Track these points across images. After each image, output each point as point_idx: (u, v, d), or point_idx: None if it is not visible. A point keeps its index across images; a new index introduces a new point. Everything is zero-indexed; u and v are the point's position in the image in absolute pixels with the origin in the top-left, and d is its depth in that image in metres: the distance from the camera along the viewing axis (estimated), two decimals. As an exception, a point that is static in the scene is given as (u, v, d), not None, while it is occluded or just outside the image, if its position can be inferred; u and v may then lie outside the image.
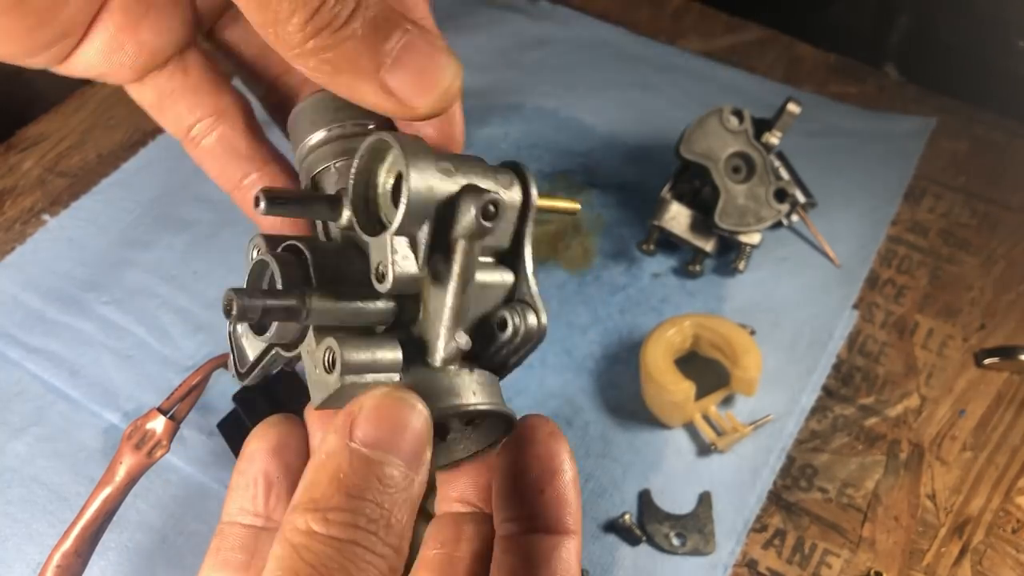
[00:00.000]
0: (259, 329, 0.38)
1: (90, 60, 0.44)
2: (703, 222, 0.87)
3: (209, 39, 0.50)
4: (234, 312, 0.35)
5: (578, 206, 0.44)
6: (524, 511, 0.40)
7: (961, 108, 1.04)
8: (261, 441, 0.44)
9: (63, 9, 0.41)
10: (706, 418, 0.79)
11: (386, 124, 0.43)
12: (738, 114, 0.85)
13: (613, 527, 0.75)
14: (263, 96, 0.51)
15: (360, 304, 0.38)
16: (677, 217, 0.88)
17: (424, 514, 0.71)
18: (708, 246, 0.87)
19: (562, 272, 0.92)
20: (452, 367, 0.38)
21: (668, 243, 0.90)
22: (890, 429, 0.80)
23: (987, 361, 0.83)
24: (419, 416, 0.35)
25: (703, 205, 0.88)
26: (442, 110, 0.38)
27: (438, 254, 0.38)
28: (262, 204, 0.37)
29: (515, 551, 0.40)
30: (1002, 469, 0.78)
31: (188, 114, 0.48)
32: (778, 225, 0.92)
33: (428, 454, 0.35)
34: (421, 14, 0.41)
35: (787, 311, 0.87)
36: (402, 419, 0.35)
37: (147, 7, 0.44)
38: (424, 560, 0.42)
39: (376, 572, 0.33)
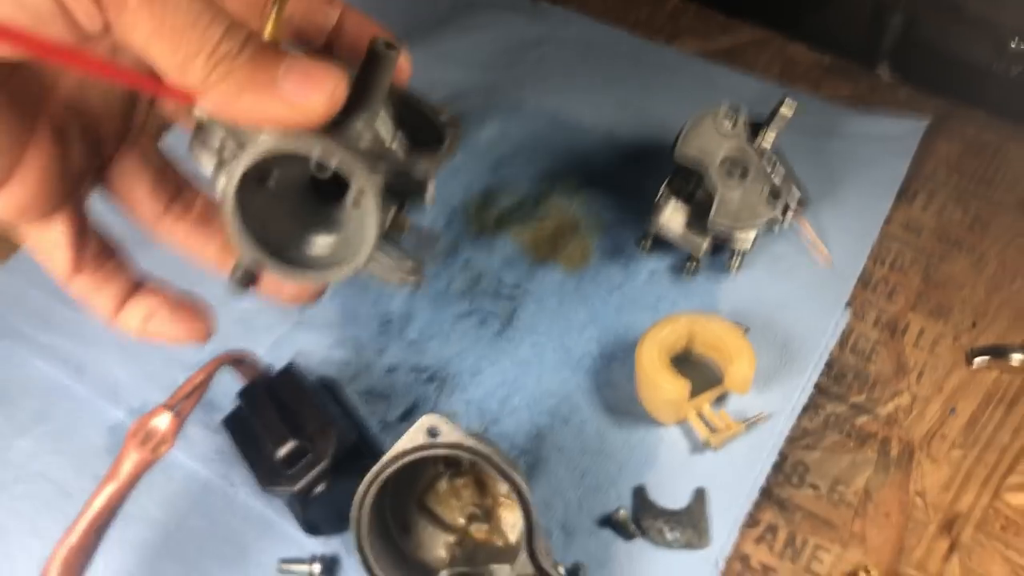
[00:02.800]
0: None
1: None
2: (698, 222, 0.88)
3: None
4: None
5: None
6: None
7: (954, 109, 1.05)
8: None
9: None
10: (700, 416, 0.80)
11: None
12: (733, 115, 0.86)
13: (608, 522, 0.76)
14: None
15: None
16: (673, 217, 0.89)
17: (430, 516, 0.72)
18: (703, 245, 0.89)
19: (560, 271, 0.93)
20: None
21: (664, 243, 0.91)
22: (881, 427, 0.81)
23: (978, 360, 0.84)
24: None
25: (698, 205, 0.89)
26: (333, 110, 0.44)
27: None
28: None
29: None
30: (991, 467, 0.79)
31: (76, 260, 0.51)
32: (772, 224, 0.93)
33: None
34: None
35: (780, 310, 0.88)
36: None
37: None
38: None
39: None
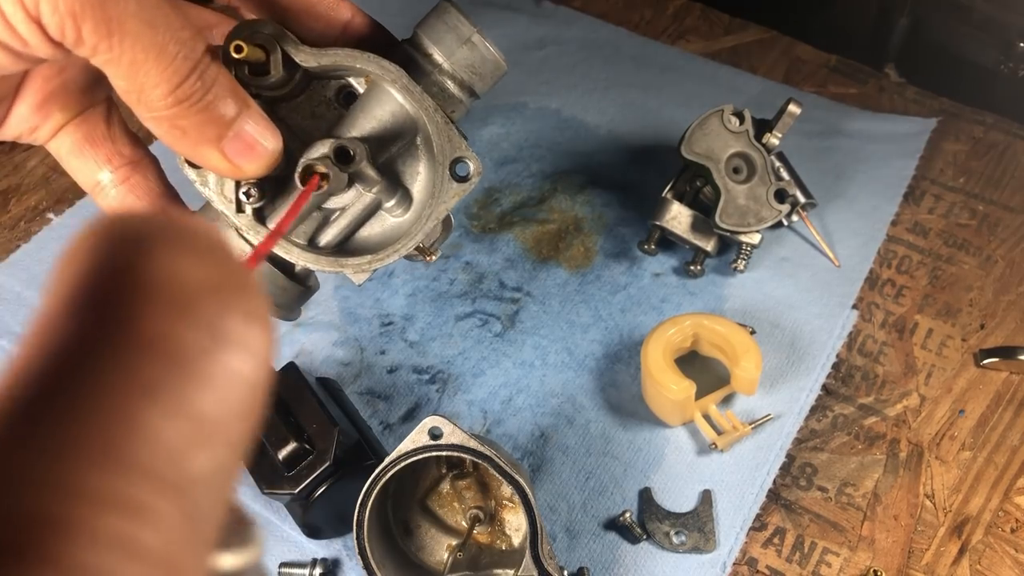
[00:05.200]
0: None
1: (23, 115, 0.47)
2: (704, 222, 0.87)
3: None
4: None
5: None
6: None
7: (961, 109, 1.04)
8: None
9: None
10: (706, 417, 0.79)
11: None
12: (739, 115, 0.86)
13: (614, 525, 0.75)
14: None
15: None
16: (678, 217, 0.88)
17: (433, 518, 0.71)
18: (709, 246, 0.88)
19: (563, 271, 0.92)
20: None
21: (669, 243, 0.91)
22: (889, 428, 0.80)
23: (986, 361, 0.84)
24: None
25: (703, 205, 0.88)
26: (266, 172, 0.46)
27: None
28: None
29: None
30: (1001, 469, 0.78)
31: (106, 162, 0.50)
32: (778, 225, 0.93)
33: None
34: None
35: (787, 311, 0.88)
36: None
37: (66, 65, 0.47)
38: None
39: None
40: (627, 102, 1.08)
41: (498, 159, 1.02)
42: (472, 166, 0.50)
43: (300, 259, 0.50)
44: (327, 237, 0.52)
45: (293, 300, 0.54)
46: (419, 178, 0.52)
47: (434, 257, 0.54)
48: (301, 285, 0.54)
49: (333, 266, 0.51)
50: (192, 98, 0.41)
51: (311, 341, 0.87)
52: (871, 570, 0.73)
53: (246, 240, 0.50)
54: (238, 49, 0.45)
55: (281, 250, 0.50)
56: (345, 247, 0.53)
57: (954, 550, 0.74)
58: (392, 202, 0.51)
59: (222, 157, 0.43)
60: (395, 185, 0.51)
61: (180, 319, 0.20)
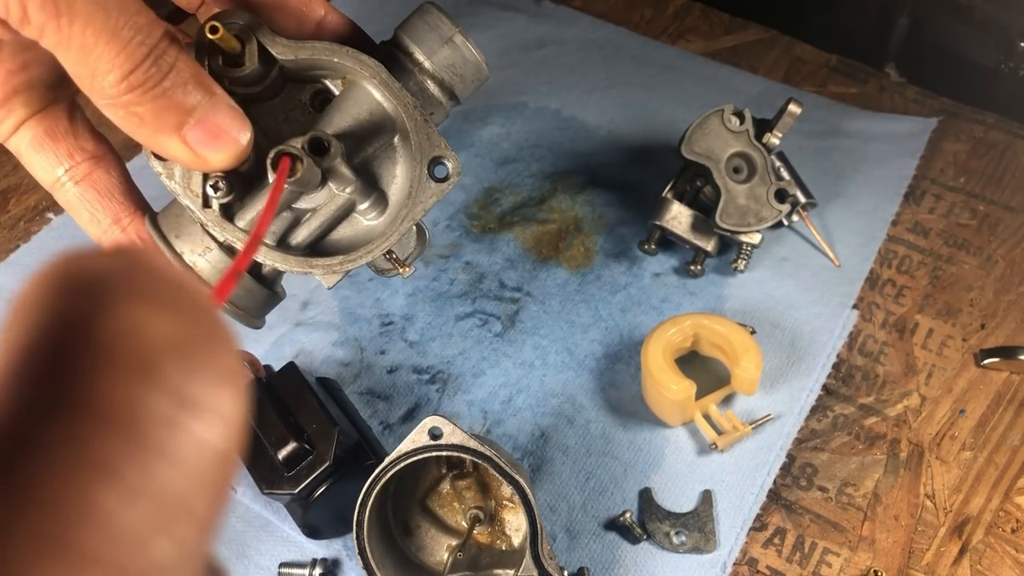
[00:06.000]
0: None
1: None
2: (704, 222, 0.87)
3: None
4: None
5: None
6: None
7: (961, 109, 1.04)
8: None
9: None
10: (706, 417, 0.79)
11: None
12: (739, 114, 0.86)
13: (614, 525, 0.75)
14: None
15: None
16: (678, 217, 0.88)
17: (433, 518, 0.71)
18: (709, 246, 0.88)
19: (563, 271, 0.92)
20: None
21: (669, 243, 0.91)
22: (890, 428, 0.80)
23: (987, 361, 0.83)
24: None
25: (704, 205, 0.88)
26: (234, 165, 0.44)
27: None
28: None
29: None
30: (1001, 469, 0.78)
31: (67, 157, 0.48)
32: (778, 225, 0.92)
33: None
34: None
35: (787, 311, 0.88)
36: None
37: (32, 55, 0.45)
38: None
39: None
40: (627, 102, 1.08)
41: (498, 159, 1.02)
42: (451, 166, 0.49)
43: (268, 258, 0.49)
44: (298, 238, 0.51)
45: (258, 305, 0.52)
46: (396, 181, 0.51)
47: (408, 270, 0.53)
48: (268, 289, 0.52)
49: (302, 266, 0.49)
50: (147, 84, 0.38)
51: (311, 341, 0.87)
52: (871, 570, 0.73)
53: (212, 237, 0.49)
54: (213, 30, 0.43)
55: None
56: (316, 249, 0.52)
57: (954, 550, 0.74)
58: (366, 204, 0.50)
59: (184, 146, 0.41)
60: (370, 187, 0.50)
61: (141, 384, 0.18)
